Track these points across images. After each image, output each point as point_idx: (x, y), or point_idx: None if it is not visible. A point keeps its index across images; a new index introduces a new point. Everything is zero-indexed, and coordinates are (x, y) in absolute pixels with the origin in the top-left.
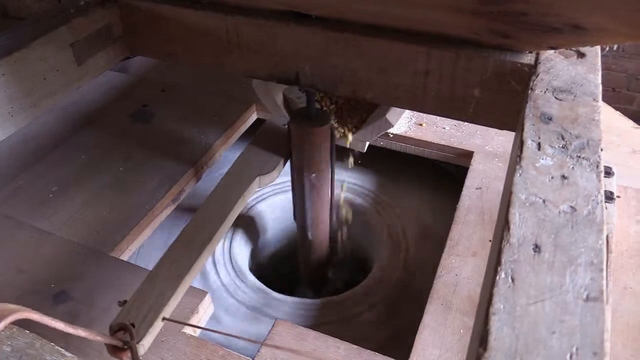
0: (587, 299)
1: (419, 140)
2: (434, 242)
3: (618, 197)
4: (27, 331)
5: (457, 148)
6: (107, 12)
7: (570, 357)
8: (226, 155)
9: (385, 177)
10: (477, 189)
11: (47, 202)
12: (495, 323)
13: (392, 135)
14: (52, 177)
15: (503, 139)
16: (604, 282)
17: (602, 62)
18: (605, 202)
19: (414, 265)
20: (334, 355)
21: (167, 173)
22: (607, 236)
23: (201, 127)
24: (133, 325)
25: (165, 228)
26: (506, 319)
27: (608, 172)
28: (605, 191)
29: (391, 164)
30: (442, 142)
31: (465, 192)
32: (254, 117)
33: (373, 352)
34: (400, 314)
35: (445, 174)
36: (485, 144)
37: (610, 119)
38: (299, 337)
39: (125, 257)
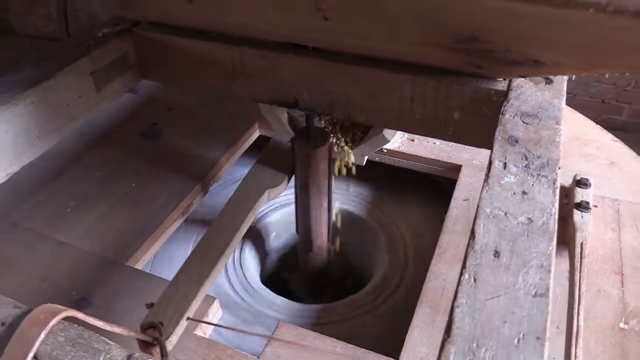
0: (535, 295)
1: (411, 154)
2: (426, 249)
3: (595, 206)
4: (76, 324)
5: (446, 162)
6: (122, 43)
7: (518, 341)
8: (229, 170)
9: (381, 189)
10: (464, 200)
11: (65, 215)
12: (458, 314)
13: (385, 151)
14: (70, 192)
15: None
16: (551, 281)
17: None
18: (581, 211)
19: (409, 272)
20: (331, 353)
21: (176, 188)
22: (582, 243)
23: (207, 144)
24: (162, 324)
25: (175, 238)
26: (467, 311)
27: (585, 184)
28: (582, 201)
29: (387, 177)
30: (433, 157)
31: (453, 203)
32: (256, 134)
33: (367, 350)
34: (397, 318)
35: (436, 185)
36: (473, 158)
37: (591, 132)
38: (299, 336)
39: (139, 266)
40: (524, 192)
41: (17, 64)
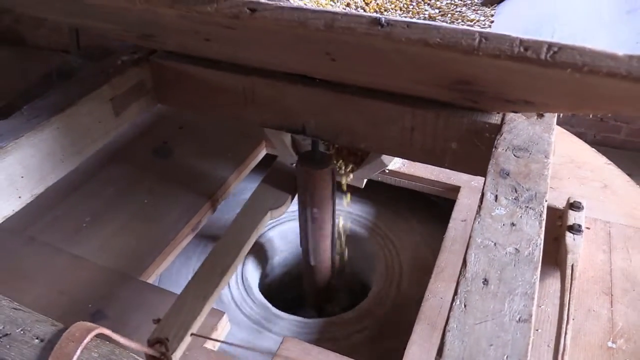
0: (519, 320)
1: (412, 175)
2: (424, 267)
3: (588, 228)
4: (107, 342)
5: (445, 183)
6: (140, 70)
7: None
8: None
9: (382, 208)
10: (462, 221)
11: (81, 230)
12: (449, 338)
13: (387, 171)
14: (85, 207)
15: None
16: (534, 307)
17: None
18: (574, 233)
19: (406, 288)
20: None
21: (187, 205)
22: (573, 265)
23: (216, 162)
24: (167, 339)
25: (184, 253)
26: (457, 335)
27: (578, 207)
28: (574, 224)
29: (388, 196)
30: (432, 178)
31: (451, 224)
32: (263, 153)
33: None
34: (394, 332)
35: (435, 206)
36: (471, 180)
37: (585, 155)
38: (304, 351)
39: (151, 280)
40: (512, 224)
41: (26, 75)
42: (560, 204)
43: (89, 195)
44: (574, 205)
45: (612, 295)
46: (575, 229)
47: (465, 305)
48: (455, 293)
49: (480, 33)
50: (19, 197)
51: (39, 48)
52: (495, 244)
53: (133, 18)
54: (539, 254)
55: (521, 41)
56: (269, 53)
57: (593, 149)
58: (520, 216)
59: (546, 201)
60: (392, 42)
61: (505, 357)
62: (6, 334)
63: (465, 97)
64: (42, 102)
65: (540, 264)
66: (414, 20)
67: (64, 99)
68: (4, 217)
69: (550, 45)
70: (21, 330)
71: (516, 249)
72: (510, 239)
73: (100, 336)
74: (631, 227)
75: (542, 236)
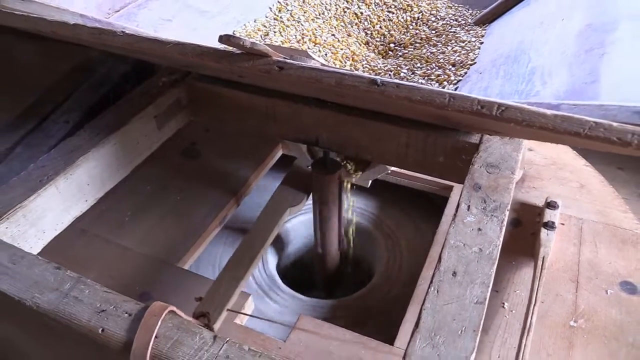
0: (477, 302)
1: (411, 175)
2: (419, 255)
3: (562, 224)
4: (178, 315)
5: (440, 182)
6: (177, 90)
7: (460, 332)
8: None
9: (385, 204)
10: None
11: (124, 224)
12: (424, 314)
13: (389, 171)
14: (127, 203)
15: None
16: (488, 293)
17: None
18: (548, 230)
19: (405, 274)
20: (342, 339)
21: (214, 202)
22: (544, 257)
23: (239, 162)
24: (209, 313)
25: (212, 243)
26: (430, 312)
27: (553, 206)
28: (549, 221)
29: (391, 193)
30: (429, 177)
31: (444, 219)
32: (280, 154)
33: (370, 338)
34: (393, 312)
35: (431, 202)
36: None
37: (567, 158)
38: (316, 326)
39: (187, 266)
40: (479, 229)
41: (51, 70)
42: (540, 202)
43: (129, 192)
44: (550, 205)
45: (577, 282)
46: (550, 225)
47: (437, 291)
48: (431, 282)
49: (450, 94)
50: (86, 201)
51: (63, 42)
52: (464, 244)
53: (181, 60)
54: (497, 252)
55: (479, 101)
56: (291, 88)
57: (574, 152)
58: (486, 222)
59: (508, 210)
60: (385, 96)
61: (464, 328)
62: (103, 310)
63: (447, 123)
64: (100, 121)
65: (497, 260)
66: (403, 82)
67: (119, 119)
68: (74, 217)
69: (499, 105)
70: (113, 307)
71: (480, 249)
72: (476, 241)
73: (171, 312)
74: (601, 224)
75: (502, 238)
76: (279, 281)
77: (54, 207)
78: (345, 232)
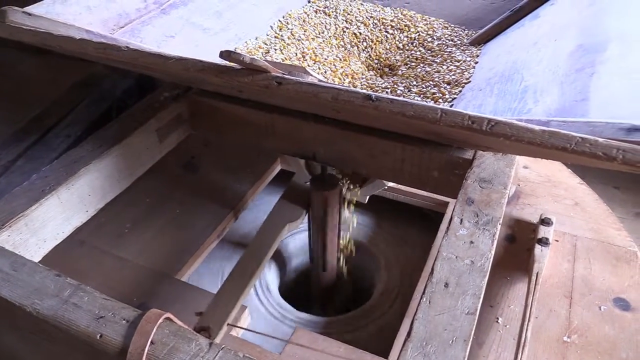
0: (467, 313)
1: (407, 191)
2: (415, 270)
3: (556, 241)
4: (174, 322)
5: (436, 198)
6: (179, 105)
7: (451, 342)
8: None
9: (383, 220)
10: None
11: (123, 235)
12: (416, 324)
13: (387, 187)
14: (126, 215)
15: None
16: (479, 305)
17: None
18: (542, 246)
19: (404, 288)
20: (336, 353)
21: (213, 215)
22: (537, 273)
23: (237, 176)
24: (209, 327)
25: (210, 255)
26: (422, 322)
27: (548, 223)
28: (543, 237)
29: (388, 210)
30: (425, 194)
31: (439, 234)
32: (278, 168)
33: (364, 351)
34: (390, 328)
35: (428, 218)
36: None
37: (561, 175)
38: (312, 339)
39: (184, 278)
40: (471, 242)
41: (56, 83)
42: (535, 219)
43: (128, 204)
44: (545, 221)
45: (571, 298)
46: (544, 241)
47: (429, 302)
48: (423, 293)
49: (441, 109)
50: (86, 211)
51: (66, 57)
52: (456, 257)
53: (183, 75)
54: (488, 265)
55: (469, 117)
56: (289, 103)
57: (569, 169)
58: (478, 236)
59: (500, 224)
60: (380, 111)
61: (455, 338)
62: (101, 316)
63: (441, 139)
64: (104, 132)
65: (488, 272)
66: (396, 97)
67: (121, 131)
68: (75, 227)
69: (489, 120)
70: (112, 313)
71: (472, 261)
72: (468, 253)
73: (167, 319)
74: (595, 240)
75: (493, 251)
76: (275, 293)
77: (56, 217)
78: (343, 249)
